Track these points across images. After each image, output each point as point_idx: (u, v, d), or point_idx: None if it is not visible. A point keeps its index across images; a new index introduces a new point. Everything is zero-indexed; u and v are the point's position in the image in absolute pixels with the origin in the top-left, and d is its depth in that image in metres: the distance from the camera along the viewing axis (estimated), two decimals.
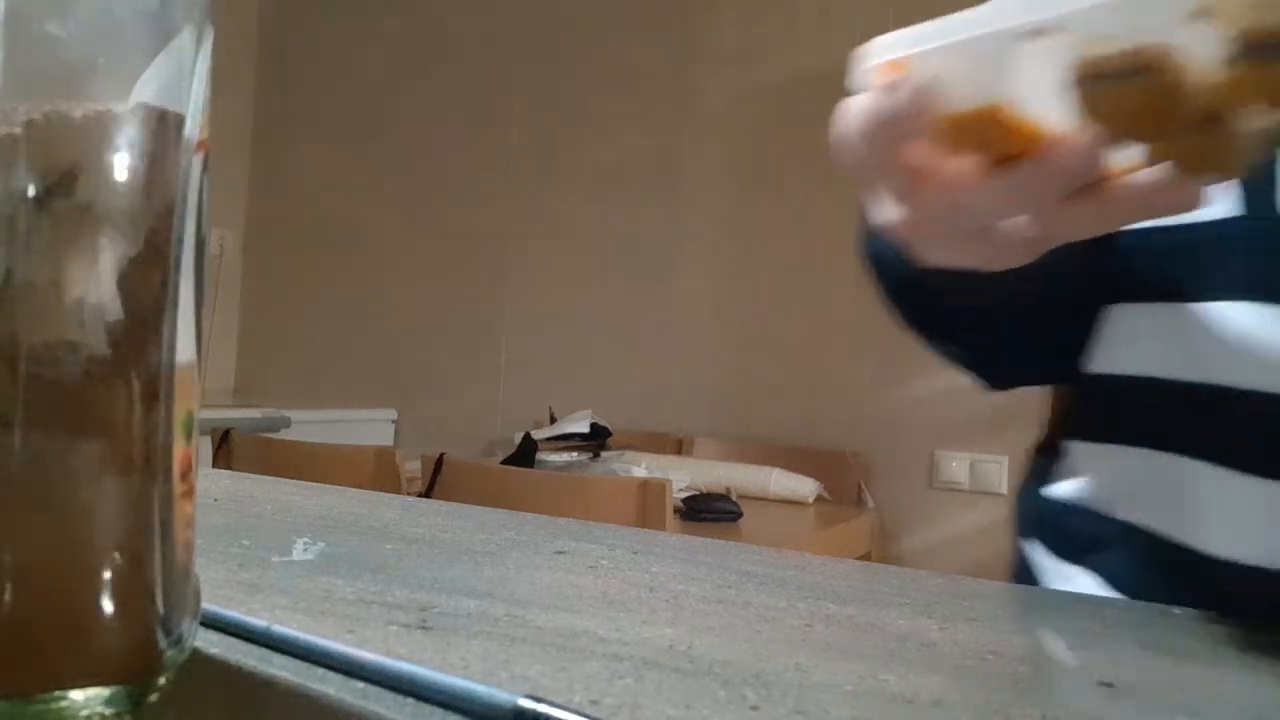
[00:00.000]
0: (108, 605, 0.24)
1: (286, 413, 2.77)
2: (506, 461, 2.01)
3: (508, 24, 2.95)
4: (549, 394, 2.69)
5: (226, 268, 3.29)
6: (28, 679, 0.23)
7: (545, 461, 2.06)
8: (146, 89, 0.25)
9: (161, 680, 0.25)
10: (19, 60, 0.23)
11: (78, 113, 0.24)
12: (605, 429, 2.34)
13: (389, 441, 3.03)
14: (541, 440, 2.22)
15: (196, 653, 0.29)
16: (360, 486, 0.95)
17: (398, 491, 1.50)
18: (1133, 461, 0.50)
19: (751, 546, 0.53)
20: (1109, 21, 0.27)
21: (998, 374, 0.59)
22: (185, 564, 0.26)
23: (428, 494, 1.58)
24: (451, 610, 0.36)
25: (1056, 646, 0.38)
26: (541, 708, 0.26)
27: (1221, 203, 0.46)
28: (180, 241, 0.26)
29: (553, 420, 2.44)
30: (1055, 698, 0.32)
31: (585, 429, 2.33)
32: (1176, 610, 0.43)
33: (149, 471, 0.25)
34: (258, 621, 0.32)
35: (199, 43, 0.26)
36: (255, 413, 2.69)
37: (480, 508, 0.63)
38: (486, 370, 2.93)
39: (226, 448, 1.90)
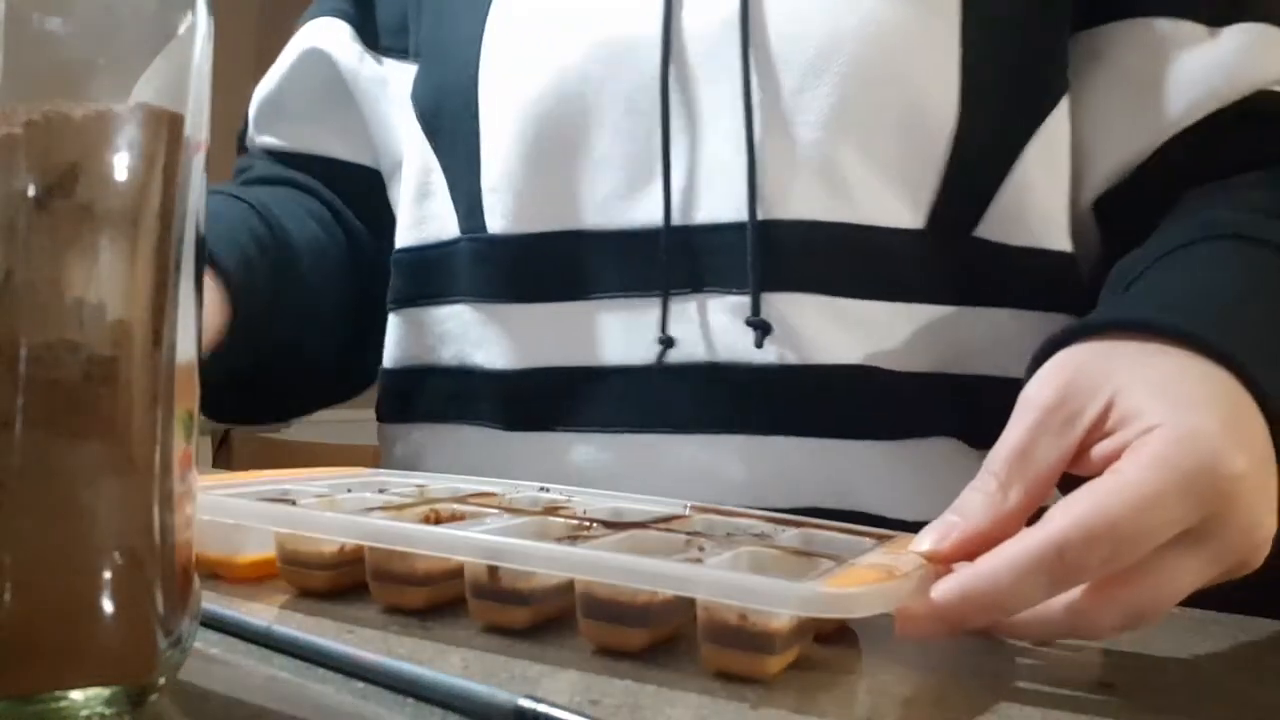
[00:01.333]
0: (108, 605, 0.24)
1: None
2: None
3: None
4: None
5: None
6: (28, 679, 0.23)
7: None
8: (146, 89, 0.25)
9: (161, 680, 0.25)
10: (19, 60, 0.23)
11: (78, 113, 0.24)
12: None
13: None
14: None
15: (196, 653, 0.29)
16: None
17: None
18: (424, 434, 0.62)
19: None
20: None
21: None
22: (185, 564, 0.26)
23: None
24: (451, 611, 0.36)
25: (1057, 646, 0.38)
26: (541, 708, 0.26)
27: (447, 226, 0.60)
28: (180, 241, 0.26)
29: None
30: (1055, 698, 0.32)
31: None
32: (1175, 610, 0.43)
33: (149, 471, 0.25)
34: (258, 621, 0.32)
35: (199, 43, 0.26)
36: None
37: None
38: None
39: (226, 448, 1.90)
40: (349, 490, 0.44)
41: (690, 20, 0.53)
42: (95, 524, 0.24)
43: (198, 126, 0.26)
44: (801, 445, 0.52)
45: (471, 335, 0.59)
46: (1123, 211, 0.56)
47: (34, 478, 0.23)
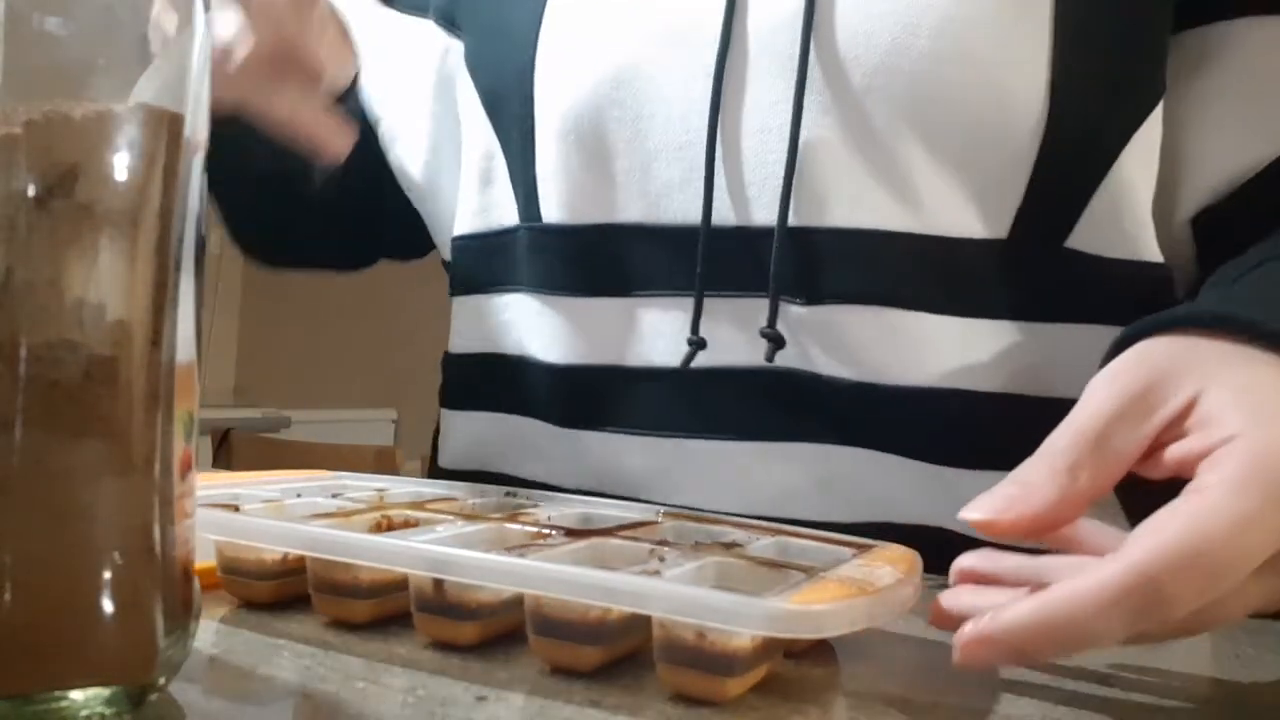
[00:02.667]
0: (108, 605, 0.24)
1: (286, 413, 2.77)
2: None
3: None
4: None
5: (226, 268, 3.29)
6: (28, 679, 0.23)
7: None
8: (146, 89, 0.25)
9: (161, 680, 0.25)
10: (19, 60, 0.23)
11: (78, 113, 0.24)
12: None
13: (389, 441, 3.03)
14: None
15: (197, 653, 0.29)
16: None
17: None
18: (484, 424, 0.62)
19: None
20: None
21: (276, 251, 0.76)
22: (185, 564, 0.26)
23: None
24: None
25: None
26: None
27: (508, 213, 0.59)
28: (180, 241, 0.26)
29: None
30: (1054, 696, 0.32)
31: None
32: None
33: (149, 471, 0.25)
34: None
35: (199, 43, 0.26)
36: (255, 413, 2.69)
37: None
38: None
39: (226, 448, 1.90)
40: (298, 495, 0.42)
41: (755, 12, 0.51)
42: (95, 524, 0.24)
43: (197, 126, 0.26)
44: (866, 459, 0.50)
45: (529, 324, 0.58)
46: (1225, 229, 0.51)
47: (34, 478, 0.23)
